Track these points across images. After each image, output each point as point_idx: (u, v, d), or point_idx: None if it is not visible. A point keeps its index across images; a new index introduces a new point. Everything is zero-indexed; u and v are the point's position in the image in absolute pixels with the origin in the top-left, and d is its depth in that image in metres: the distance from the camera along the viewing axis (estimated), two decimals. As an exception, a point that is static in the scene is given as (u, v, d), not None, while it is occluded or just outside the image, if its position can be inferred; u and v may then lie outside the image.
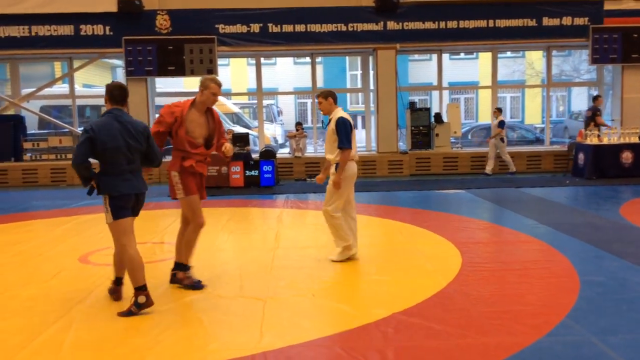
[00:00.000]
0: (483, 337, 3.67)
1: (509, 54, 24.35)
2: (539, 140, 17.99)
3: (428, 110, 14.93)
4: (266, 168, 11.83)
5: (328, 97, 5.70)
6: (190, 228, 5.01)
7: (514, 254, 5.88)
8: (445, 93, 23.58)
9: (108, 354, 3.55)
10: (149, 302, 4.28)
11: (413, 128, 14.48)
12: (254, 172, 11.88)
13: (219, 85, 4.98)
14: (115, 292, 4.69)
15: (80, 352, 3.58)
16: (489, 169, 13.42)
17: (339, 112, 5.64)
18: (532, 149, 14.87)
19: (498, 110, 13.54)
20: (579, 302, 4.30)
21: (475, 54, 25.28)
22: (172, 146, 4.99)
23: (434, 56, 16.62)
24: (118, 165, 4.34)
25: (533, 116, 26.66)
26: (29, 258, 6.05)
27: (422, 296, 4.49)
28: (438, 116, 14.43)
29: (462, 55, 25.78)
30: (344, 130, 5.48)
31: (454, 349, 3.48)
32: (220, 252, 6.25)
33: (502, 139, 13.23)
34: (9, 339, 3.81)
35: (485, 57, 20.92)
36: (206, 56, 13.44)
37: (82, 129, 5.01)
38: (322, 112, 5.82)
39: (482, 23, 13.72)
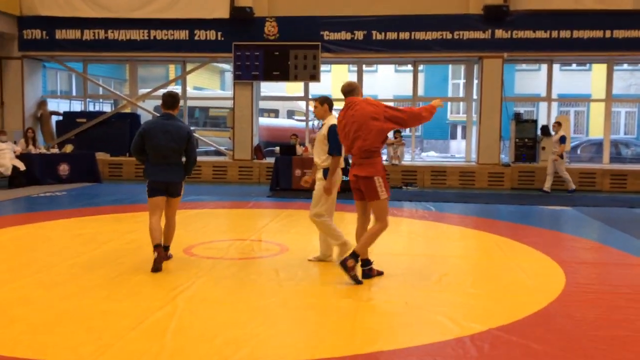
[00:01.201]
0: (586, 361, 3.49)
1: (625, 66, 22.86)
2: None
3: (535, 122, 14.36)
4: (363, 174, 11.84)
5: (324, 103, 5.79)
6: (378, 227, 5.21)
7: (623, 277, 5.53)
8: (554, 105, 22.54)
9: (208, 342, 3.73)
10: (159, 255, 5.40)
11: (517, 140, 13.98)
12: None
13: None
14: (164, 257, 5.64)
15: (182, 339, 3.78)
16: (547, 185, 12.61)
17: (332, 119, 5.65)
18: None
19: (557, 124, 12.66)
20: (697, 334, 3.97)
21: (588, 65, 23.98)
22: (368, 154, 5.17)
23: (544, 66, 15.98)
24: (155, 158, 5.51)
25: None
26: (140, 246, 6.46)
27: (520, 314, 4.33)
28: (545, 128, 13.83)
29: (573, 66, 24.55)
30: (335, 138, 5.48)
31: (554, 371, 3.34)
32: (315, 253, 6.33)
33: (561, 156, 12.39)
34: (120, 320, 4.10)
35: (599, 69, 19.81)
36: (310, 62, 13.73)
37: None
38: (316, 117, 5.92)
39: (597, 33, 13.01)
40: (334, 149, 5.54)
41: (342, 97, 5.45)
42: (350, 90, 5.41)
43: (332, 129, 5.54)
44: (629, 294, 4.89)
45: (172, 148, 5.48)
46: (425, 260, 6.08)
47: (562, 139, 12.36)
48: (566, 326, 4.08)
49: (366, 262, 5.26)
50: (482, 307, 4.56)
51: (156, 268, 5.38)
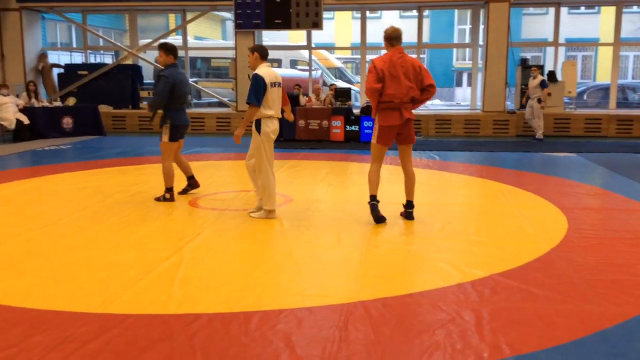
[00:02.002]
0: (586, 304, 3.54)
1: (635, 8, 22.28)
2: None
3: (541, 67, 14.11)
4: (367, 124, 11.80)
5: (254, 51, 5.66)
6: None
7: (625, 222, 5.56)
8: (562, 50, 22.15)
9: (214, 291, 3.80)
10: (171, 199, 6.36)
11: (523, 87, 13.79)
12: (355, 128, 11.91)
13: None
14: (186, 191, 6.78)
15: (188, 287, 3.86)
16: (540, 133, 12.43)
17: (259, 69, 5.55)
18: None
19: (537, 68, 12.40)
20: (697, 277, 4.02)
21: (597, 8, 23.39)
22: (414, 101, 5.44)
23: (551, 10, 15.60)
24: (180, 104, 6.31)
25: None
26: (145, 199, 6.52)
27: (522, 260, 4.39)
28: (552, 74, 13.62)
29: (582, 9, 23.96)
30: (254, 86, 5.43)
31: (553, 314, 3.40)
32: (319, 203, 6.39)
33: (539, 100, 12.17)
34: (128, 270, 4.17)
35: (608, 12, 19.31)
36: (312, 9, 13.46)
37: (162, 74, 6.18)
38: (249, 66, 5.83)
39: (608, -26, 12.64)
40: (250, 97, 5.46)
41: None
42: (397, 36, 5.41)
43: (253, 77, 5.50)
44: (630, 239, 4.93)
45: (187, 93, 6.48)
46: (429, 209, 6.11)
47: (543, 84, 12.16)
48: (567, 271, 4.14)
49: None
50: (484, 253, 4.62)
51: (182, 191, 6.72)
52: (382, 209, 5.56)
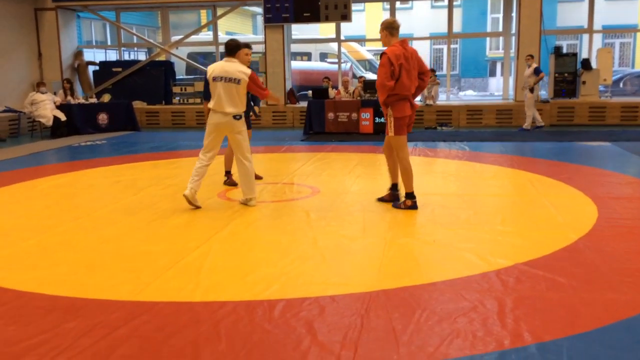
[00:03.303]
0: (611, 293, 3.50)
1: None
2: None
3: (575, 55, 13.84)
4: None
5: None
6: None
7: (658, 212, 5.44)
8: (598, 37, 21.58)
9: (240, 280, 3.89)
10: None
11: (557, 75, 13.55)
12: (384, 120, 11.82)
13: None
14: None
15: (215, 276, 3.95)
16: (539, 120, 12.13)
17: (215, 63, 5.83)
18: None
19: (530, 57, 12.06)
20: None
21: (636, -7, 22.68)
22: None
23: (586, -4, 15.22)
24: None
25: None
26: (177, 191, 6.65)
27: (549, 249, 4.34)
28: (586, 62, 13.34)
29: (621, -6, 23.28)
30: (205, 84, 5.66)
31: (578, 303, 3.37)
32: (346, 195, 6.42)
33: (531, 90, 11.84)
34: (158, 260, 4.30)
35: (648, -3, 18.74)
36: (341, 1, 13.47)
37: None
38: None
39: (644, -43, 12.27)
40: (206, 95, 5.83)
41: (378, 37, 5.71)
42: (398, 27, 5.58)
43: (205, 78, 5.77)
44: (662, 228, 4.82)
45: None
46: (457, 199, 6.09)
47: (536, 70, 11.83)
48: (594, 260, 4.08)
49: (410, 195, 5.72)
50: (510, 243, 4.59)
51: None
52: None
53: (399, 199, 5.83)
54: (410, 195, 5.64)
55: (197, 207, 5.81)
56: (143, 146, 10.78)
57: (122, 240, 4.86)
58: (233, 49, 5.74)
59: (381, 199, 5.99)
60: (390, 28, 5.48)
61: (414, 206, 5.61)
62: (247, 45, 6.01)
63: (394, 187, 5.94)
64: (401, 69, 5.35)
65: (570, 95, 13.47)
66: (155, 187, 7.01)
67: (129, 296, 3.61)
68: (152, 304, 3.47)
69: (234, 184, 6.85)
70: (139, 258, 4.38)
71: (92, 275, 4.04)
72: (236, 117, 5.73)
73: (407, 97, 5.52)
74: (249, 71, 5.74)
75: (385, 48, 5.51)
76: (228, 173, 7.09)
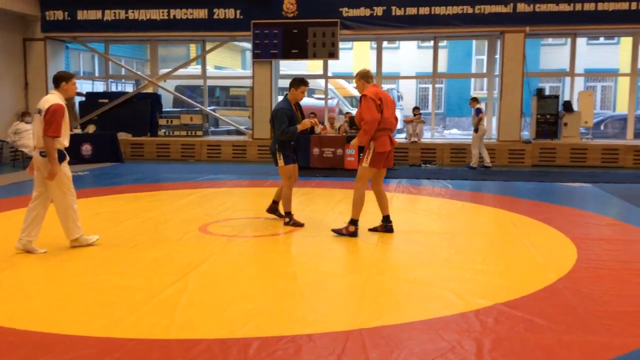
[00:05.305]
0: (589, 335, 3.49)
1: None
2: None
3: (557, 97, 14.11)
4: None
5: None
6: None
7: (637, 253, 5.48)
8: (580, 80, 22.06)
9: (216, 316, 3.83)
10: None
11: (539, 116, 13.77)
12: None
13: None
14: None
15: (191, 312, 3.89)
16: (487, 161, 12.62)
17: (51, 98, 5.55)
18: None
19: (474, 100, 12.66)
20: None
21: (616, 38, 23.33)
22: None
23: (569, 40, 15.61)
24: None
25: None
26: (156, 224, 6.60)
27: (528, 289, 4.34)
28: (568, 104, 13.60)
29: (601, 39, 23.92)
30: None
31: (555, 345, 3.35)
32: (328, 231, 6.39)
33: (476, 129, 12.41)
34: (134, 295, 4.22)
35: (628, 43, 19.24)
36: (328, 39, 13.66)
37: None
38: None
39: (623, 5, 12.66)
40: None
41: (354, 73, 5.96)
42: (371, 76, 6.21)
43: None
44: (641, 270, 4.85)
45: None
46: (438, 238, 6.10)
47: (477, 111, 12.39)
48: (572, 301, 4.08)
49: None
50: (490, 283, 4.58)
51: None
52: (395, 238, 5.72)
53: (392, 230, 6.17)
54: (354, 222, 6.02)
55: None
56: (126, 178, 10.71)
57: (98, 274, 4.78)
58: (55, 80, 5.66)
59: (373, 229, 6.24)
60: (366, 77, 6.09)
61: (354, 233, 5.96)
62: (304, 82, 6.69)
63: (385, 219, 6.21)
64: (381, 103, 5.83)
65: (552, 137, 13.67)
66: (134, 219, 6.94)
67: (102, 332, 3.53)
68: (125, 340, 3.40)
69: (300, 225, 6.55)
70: (115, 292, 4.30)
71: (65, 310, 3.95)
72: (41, 153, 5.52)
73: (389, 132, 5.91)
74: (53, 102, 5.47)
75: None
76: (288, 214, 6.66)
